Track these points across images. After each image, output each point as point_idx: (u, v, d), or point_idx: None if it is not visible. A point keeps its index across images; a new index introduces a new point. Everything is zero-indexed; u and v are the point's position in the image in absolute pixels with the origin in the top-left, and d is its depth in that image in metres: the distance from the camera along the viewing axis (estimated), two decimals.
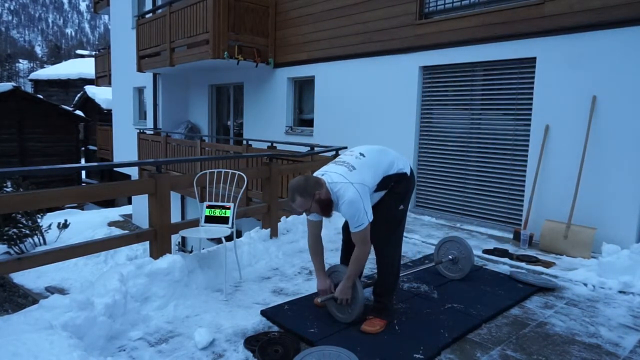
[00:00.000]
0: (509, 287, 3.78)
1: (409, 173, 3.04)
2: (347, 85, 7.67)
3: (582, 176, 4.97)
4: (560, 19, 5.13)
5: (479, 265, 4.38)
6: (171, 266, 3.38)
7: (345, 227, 3.24)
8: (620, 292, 3.78)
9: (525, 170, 5.59)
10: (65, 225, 11.52)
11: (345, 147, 6.32)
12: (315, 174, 2.97)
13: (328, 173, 2.90)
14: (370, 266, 4.40)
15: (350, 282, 2.97)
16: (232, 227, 3.80)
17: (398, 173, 2.97)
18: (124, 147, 14.08)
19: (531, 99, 5.49)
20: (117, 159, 15.01)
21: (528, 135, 5.54)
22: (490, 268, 4.35)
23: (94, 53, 28.72)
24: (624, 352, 2.81)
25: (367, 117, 7.36)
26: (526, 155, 5.57)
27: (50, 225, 11.14)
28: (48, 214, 11.72)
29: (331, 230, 5.50)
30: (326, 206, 2.83)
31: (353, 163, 2.91)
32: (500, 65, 5.80)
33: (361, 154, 2.98)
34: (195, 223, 4.07)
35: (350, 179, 2.79)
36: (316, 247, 3.16)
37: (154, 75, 11.72)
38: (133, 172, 13.64)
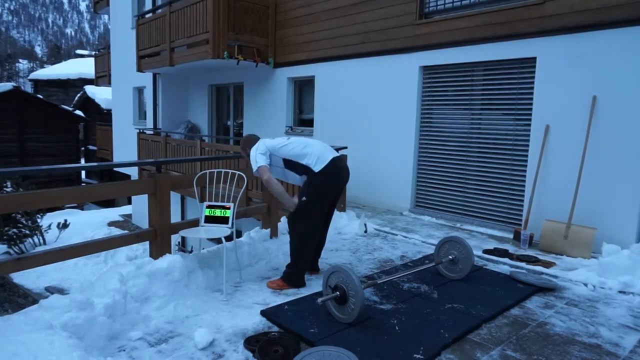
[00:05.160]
0: (509, 287, 3.78)
1: (316, 170, 3.63)
2: (347, 85, 7.67)
3: (582, 176, 4.97)
4: (560, 19, 5.13)
5: (479, 265, 4.38)
6: (171, 266, 3.38)
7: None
8: (620, 292, 3.78)
9: (525, 170, 5.59)
10: (65, 225, 11.53)
11: (345, 147, 6.32)
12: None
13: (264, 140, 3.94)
14: (371, 266, 4.41)
15: (280, 201, 3.93)
16: (232, 227, 3.80)
17: (302, 164, 3.69)
18: (124, 147, 14.07)
19: (531, 99, 5.48)
20: (117, 159, 15.00)
21: (528, 135, 5.54)
22: (490, 268, 4.35)
23: (93, 53, 28.68)
24: (624, 352, 2.80)
25: (367, 117, 7.36)
26: (526, 155, 5.57)
27: (50, 225, 11.14)
28: (48, 214, 11.73)
29: (331, 230, 5.50)
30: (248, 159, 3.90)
31: (279, 137, 3.96)
32: (500, 65, 5.80)
33: (290, 137, 3.92)
34: (195, 223, 4.06)
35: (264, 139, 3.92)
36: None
37: (154, 75, 11.72)
38: (133, 172, 13.64)
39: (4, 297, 8.35)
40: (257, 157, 3.73)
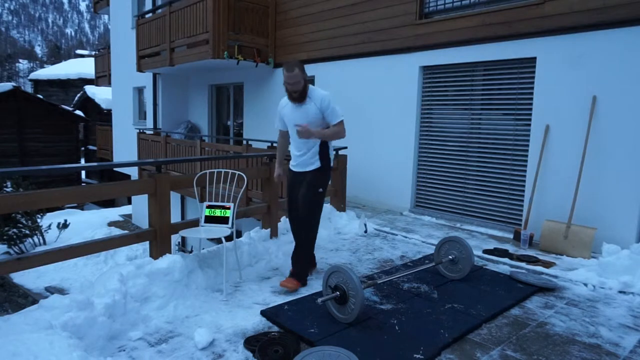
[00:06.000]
0: (509, 287, 3.78)
1: (332, 165, 3.84)
2: (347, 85, 7.67)
3: (582, 176, 4.97)
4: (560, 19, 5.13)
5: (479, 265, 4.38)
6: (171, 266, 3.38)
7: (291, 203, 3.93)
8: (620, 292, 3.78)
9: (525, 170, 5.59)
10: (65, 225, 11.52)
11: (345, 147, 6.32)
12: None
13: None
14: (371, 266, 4.41)
15: (318, 135, 3.60)
16: (232, 227, 3.81)
17: (327, 149, 3.75)
18: (124, 147, 14.08)
19: (531, 99, 5.48)
20: (117, 159, 15.00)
21: (528, 135, 5.54)
22: (490, 268, 4.35)
23: (93, 53, 28.70)
24: (624, 352, 2.81)
25: (367, 117, 7.36)
26: (526, 155, 5.57)
27: (50, 225, 11.13)
28: (48, 214, 11.72)
29: (331, 230, 5.51)
30: (304, 90, 3.62)
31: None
32: (500, 65, 5.80)
33: None
34: (195, 223, 4.06)
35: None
36: (282, 146, 4.08)
37: (154, 75, 11.72)
38: (133, 172, 13.64)
39: (4, 297, 8.34)
40: (339, 109, 3.65)
